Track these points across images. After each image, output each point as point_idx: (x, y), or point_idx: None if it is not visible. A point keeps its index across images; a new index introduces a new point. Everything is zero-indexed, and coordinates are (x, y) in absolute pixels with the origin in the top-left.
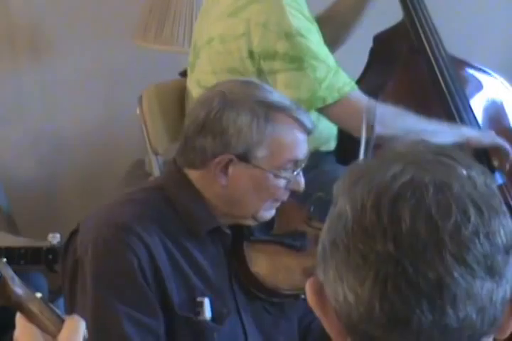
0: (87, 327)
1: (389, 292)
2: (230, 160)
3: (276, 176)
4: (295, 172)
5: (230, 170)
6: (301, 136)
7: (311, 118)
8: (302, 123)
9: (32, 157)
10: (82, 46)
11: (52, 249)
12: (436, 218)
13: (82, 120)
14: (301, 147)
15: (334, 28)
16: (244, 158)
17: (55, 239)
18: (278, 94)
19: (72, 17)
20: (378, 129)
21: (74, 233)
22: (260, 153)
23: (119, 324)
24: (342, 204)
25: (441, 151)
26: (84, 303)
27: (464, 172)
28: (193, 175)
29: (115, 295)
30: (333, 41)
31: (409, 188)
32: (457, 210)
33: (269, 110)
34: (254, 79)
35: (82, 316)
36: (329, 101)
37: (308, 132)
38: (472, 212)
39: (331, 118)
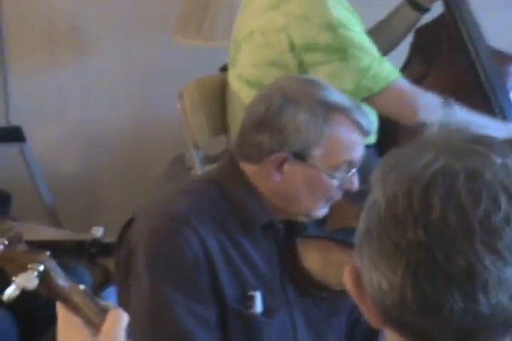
0: (141, 316)
1: (420, 279)
2: (286, 158)
3: (331, 176)
4: (350, 173)
5: (285, 167)
6: (358, 138)
7: (370, 119)
8: (361, 125)
9: (74, 152)
10: (121, 42)
11: (95, 243)
12: (466, 205)
13: (123, 116)
14: (357, 149)
15: (386, 42)
16: (300, 156)
17: (98, 232)
18: (339, 94)
19: (112, 14)
20: (424, 117)
21: (129, 223)
22: (316, 152)
23: (174, 313)
24: (376, 193)
25: (477, 140)
26: (139, 293)
27: (499, 160)
28: (249, 169)
29: (170, 287)
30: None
31: (440, 176)
32: (487, 197)
33: (329, 110)
34: (315, 77)
35: (137, 305)
36: (375, 90)
37: (366, 134)
38: (503, 199)
39: (377, 107)
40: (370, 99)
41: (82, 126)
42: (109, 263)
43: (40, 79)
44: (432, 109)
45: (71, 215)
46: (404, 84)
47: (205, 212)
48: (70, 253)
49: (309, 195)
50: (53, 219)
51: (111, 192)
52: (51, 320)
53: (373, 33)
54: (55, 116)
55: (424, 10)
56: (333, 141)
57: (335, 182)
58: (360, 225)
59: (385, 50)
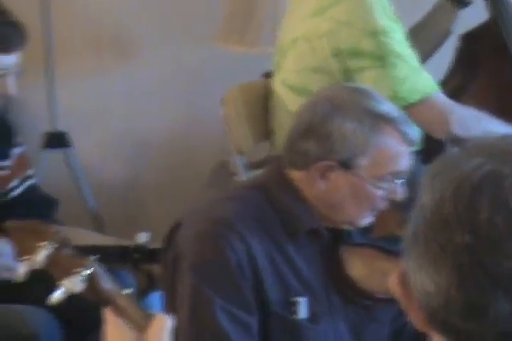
0: (183, 316)
1: (465, 282)
2: (331, 166)
3: (376, 186)
4: (395, 183)
5: (330, 175)
6: (405, 149)
7: (416, 130)
8: (408, 137)
9: (118, 158)
10: (166, 49)
11: (139, 248)
12: None
13: (166, 121)
14: (403, 160)
15: (426, 42)
16: (346, 165)
17: (142, 238)
18: (387, 104)
19: (156, 20)
20: (458, 132)
21: (174, 229)
22: (362, 162)
23: (214, 317)
24: (423, 197)
25: None
26: (183, 296)
27: None
28: (295, 175)
29: (212, 290)
30: (424, 54)
31: (488, 179)
32: None
33: (376, 120)
34: (363, 85)
35: (180, 305)
36: (410, 101)
37: (412, 144)
38: None
39: (412, 118)
40: (406, 110)
41: (126, 132)
42: (153, 269)
43: (86, 85)
44: (467, 123)
45: (115, 221)
46: (440, 98)
47: (250, 217)
48: (114, 258)
49: (354, 204)
50: (97, 224)
51: (155, 198)
52: (95, 323)
53: (413, 32)
54: (100, 122)
55: (464, 4)
56: (380, 151)
57: (380, 192)
58: (408, 229)
59: (426, 51)
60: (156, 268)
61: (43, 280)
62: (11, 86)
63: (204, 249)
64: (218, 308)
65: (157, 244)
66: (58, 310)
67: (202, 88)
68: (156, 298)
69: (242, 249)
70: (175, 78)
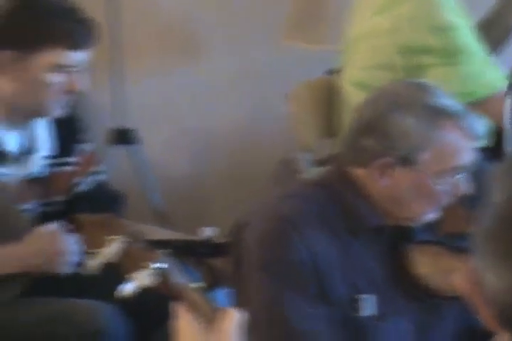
0: (257, 313)
1: None
2: (392, 163)
3: (437, 182)
4: (457, 178)
5: (392, 172)
6: (467, 144)
7: (480, 124)
8: (470, 131)
9: (184, 155)
10: (231, 45)
11: (205, 243)
12: None
13: (232, 118)
14: (466, 155)
15: (496, 33)
16: (407, 161)
17: (207, 232)
18: (449, 99)
19: (224, 17)
20: None
21: (240, 226)
22: (423, 158)
23: (288, 313)
24: (493, 194)
25: None
26: (252, 293)
27: None
28: (356, 172)
29: (280, 286)
30: (494, 46)
31: None
32: None
33: (438, 116)
34: (426, 81)
35: (251, 304)
36: (479, 95)
37: (475, 139)
38: None
39: (480, 112)
40: (473, 105)
41: (193, 129)
42: (218, 264)
43: (154, 83)
44: None
45: (181, 216)
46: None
47: (313, 215)
48: (180, 253)
49: (416, 199)
50: (163, 220)
51: (220, 194)
52: (163, 317)
53: (481, 27)
54: (167, 119)
55: None
56: (441, 146)
57: (442, 188)
58: (477, 226)
59: (497, 42)
60: (221, 263)
61: (110, 275)
62: (81, 83)
63: (269, 248)
64: (291, 305)
65: (222, 239)
66: (124, 305)
67: (268, 85)
68: (220, 293)
69: (307, 246)
70: (241, 75)
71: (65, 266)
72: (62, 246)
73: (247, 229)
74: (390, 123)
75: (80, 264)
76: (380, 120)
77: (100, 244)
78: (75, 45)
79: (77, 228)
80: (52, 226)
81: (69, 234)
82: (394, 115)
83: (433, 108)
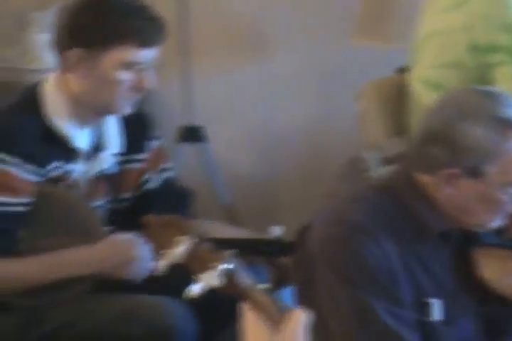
0: (345, 321)
1: None
2: (458, 174)
3: (505, 192)
4: None
5: (457, 182)
6: None
7: None
8: None
9: (251, 152)
10: (300, 43)
11: (274, 242)
12: None
13: (300, 116)
14: None
15: None
16: (473, 172)
17: (276, 231)
18: None
19: (291, 14)
20: None
21: (306, 227)
22: (490, 169)
23: (381, 318)
24: None
25: None
26: (335, 299)
27: None
28: (422, 178)
29: (366, 292)
30: None
31: None
32: None
33: (504, 127)
34: (494, 88)
35: (339, 317)
36: None
37: None
38: None
39: None
40: None
41: (260, 126)
42: (286, 263)
43: (221, 80)
44: None
45: (249, 214)
46: None
47: (380, 219)
48: (249, 251)
49: (482, 208)
50: (231, 218)
51: (288, 191)
52: (228, 318)
53: None
54: (234, 116)
55: None
56: (508, 158)
57: (508, 197)
58: None
59: None
60: (289, 262)
61: (180, 274)
62: (150, 80)
63: (343, 254)
64: (381, 309)
65: (291, 238)
66: (193, 303)
67: (337, 84)
68: (288, 292)
69: (378, 252)
70: (309, 73)
71: (137, 274)
72: (136, 254)
73: (315, 232)
74: (457, 134)
75: (150, 272)
76: (448, 130)
77: (168, 245)
78: (144, 42)
79: (145, 229)
80: (129, 234)
81: (144, 242)
82: (461, 125)
83: (500, 118)
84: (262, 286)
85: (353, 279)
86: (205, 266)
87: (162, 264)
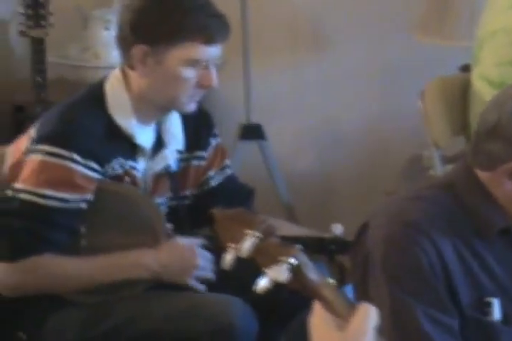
0: (384, 321)
1: None
2: None
3: None
4: None
5: None
6: None
7: None
8: None
9: (311, 150)
10: (362, 40)
11: (334, 240)
12: None
13: (361, 114)
14: None
15: None
16: None
17: (337, 229)
18: None
19: (353, 11)
20: None
21: (364, 226)
22: None
23: (417, 321)
24: None
25: None
26: (379, 298)
27: None
28: (482, 175)
29: (410, 294)
30: None
31: None
32: None
33: None
34: None
35: (381, 312)
36: None
37: None
38: None
39: None
40: None
41: (320, 124)
42: (346, 261)
43: (280, 78)
44: None
45: (307, 212)
46: None
47: (438, 217)
48: (309, 249)
49: None
50: (290, 215)
51: (347, 189)
52: (292, 313)
53: None
54: (293, 114)
55: None
56: None
57: None
58: None
59: None
60: (348, 261)
61: (243, 270)
62: (213, 77)
63: (396, 254)
64: (419, 312)
65: (351, 236)
66: (256, 302)
67: (398, 80)
68: (348, 290)
69: (433, 251)
70: (370, 70)
71: (197, 281)
72: (198, 262)
73: (372, 230)
74: None
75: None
76: (506, 125)
77: (235, 239)
78: (209, 39)
79: (211, 222)
80: (192, 240)
81: (206, 250)
82: None
83: None
84: (330, 281)
85: (399, 278)
86: (272, 261)
87: (228, 259)
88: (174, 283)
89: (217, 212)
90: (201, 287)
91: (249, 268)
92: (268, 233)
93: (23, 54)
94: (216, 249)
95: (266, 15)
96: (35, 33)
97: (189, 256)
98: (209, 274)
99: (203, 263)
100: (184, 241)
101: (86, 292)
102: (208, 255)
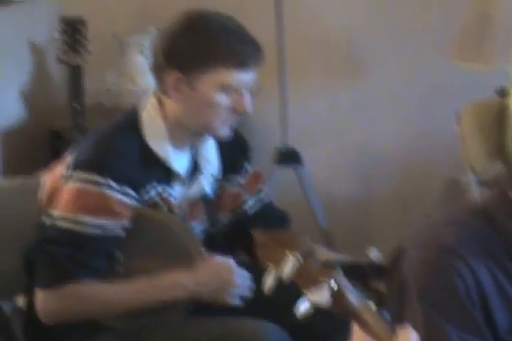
0: None
1: None
2: None
3: None
4: None
5: None
6: None
7: None
8: None
9: (348, 174)
10: (397, 63)
11: (371, 264)
12: None
13: (399, 137)
14: None
15: None
16: None
17: (373, 254)
18: None
19: (387, 34)
20: None
21: (398, 251)
22: None
23: None
24: None
25: None
26: (415, 323)
27: None
28: None
29: (445, 319)
30: None
31: None
32: None
33: None
34: None
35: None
36: None
37: None
38: None
39: None
40: None
41: (356, 148)
42: (382, 286)
43: (316, 102)
44: None
45: (344, 236)
46: None
47: (473, 242)
48: (346, 274)
49: None
50: (327, 240)
51: (384, 213)
52: (327, 335)
53: None
54: (329, 138)
55: None
56: None
57: None
58: None
59: None
60: (384, 286)
61: (282, 292)
62: (248, 103)
63: (432, 277)
64: (455, 337)
65: (387, 261)
66: (290, 324)
67: (435, 104)
68: (385, 316)
69: (469, 276)
70: (408, 94)
71: (235, 299)
72: (236, 279)
73: (407, 256)
74: None
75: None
76: None
77: (275, 260)
78: (242, 65)
79: (247, 247)
80: (227, 258)
81: (242, 267)
82: None
83: None
84: (371, 305)
85: (435, 303)
86: (312, 283)
87: (269, 280)
88: (212, 302)
89: (257, 233)
90: (239, 303)
91: (286, 292)
92: (308, 255)
93: (61, 80)
94: (255, 271)
95: (302, 39)
96: (73, 59)
97: (226, 273)
98: (246, 292)
99: (240, 280)
100: (220, 259)
101: (123, 317)
102: (244, 272)
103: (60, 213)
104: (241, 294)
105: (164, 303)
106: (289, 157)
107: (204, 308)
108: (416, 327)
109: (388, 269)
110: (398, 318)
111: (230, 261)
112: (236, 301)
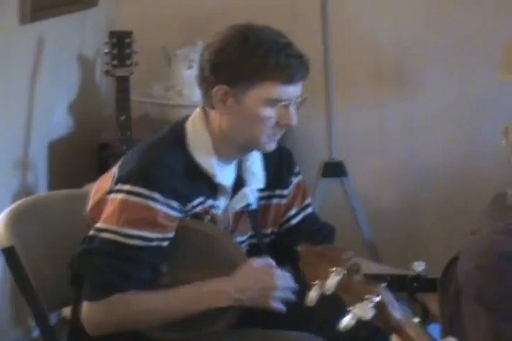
0: None
1: None
2: None
3: None
4: None
5: None
6: None
7: None
8: None
9: (394, 188)
10: (445, 77)
11: (416, 278)
12: None
13: (444, 152)
14: None
15: None
16: None
17: (419, 267)
18: None
19: (437, 50)
20: None
21: (452, 261)
22: None
23: None
24: None
25: None
26: (479, 329)
27: None
28: None
29: (509, 320)
30: None
31: None
32: None
33: None
34: None
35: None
36: None
37: None
38: None
39: None
40: None
41: (402, 161)
42: (429, 299)
43: (362, 115)
44: None
45: (390, 249)
46: None
47: None
48: (391, 287)
49: None
50: (373, 253)
51: (431, 227)
52: None
53: None
54: (376, 151)
55: None
56: None
57: None
58: None
59: None
60: (431, 299)
61: (326, 307)
62: (293, 117)
63: (490, 281)
64: None
65: (433, 274)
66: (331, 339)
67: (482, 118)
68: (433, 330)
69: None
70: (457, 107)
71: (278, 303)
72: (278, 282)
73: (462, 264)
74: None
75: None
76: None
77: (320, 275)
78: (288, 79)
79: (292, 260)
80: (266, 260)
81: (282, 269)
82: None
83: None
84: (415, 320)
85: (496, 307)
86: (357, 298)
87: (313, 295)
88: (259, 307)
89: (302, 248)
90: (283, 308)
91: (329, 305)
92: (353, 270)
93: (108, 92)
94: (299, 283)
95: (349, 52)
96: (120, 72)
97: (267, 277)
98: (289, 294)
99: (282, 282)
100: (259, 263)
101: (170, 329)
102: (286, 274)
103: (105, 225)
104: (284, 297)
105: (210, 315)
106: (335, 169)
107: (246, 320)
108: (481, 331)
109: (441, 280)
110: (451, 329)
111: (269, 263)
112: (280, 306)
